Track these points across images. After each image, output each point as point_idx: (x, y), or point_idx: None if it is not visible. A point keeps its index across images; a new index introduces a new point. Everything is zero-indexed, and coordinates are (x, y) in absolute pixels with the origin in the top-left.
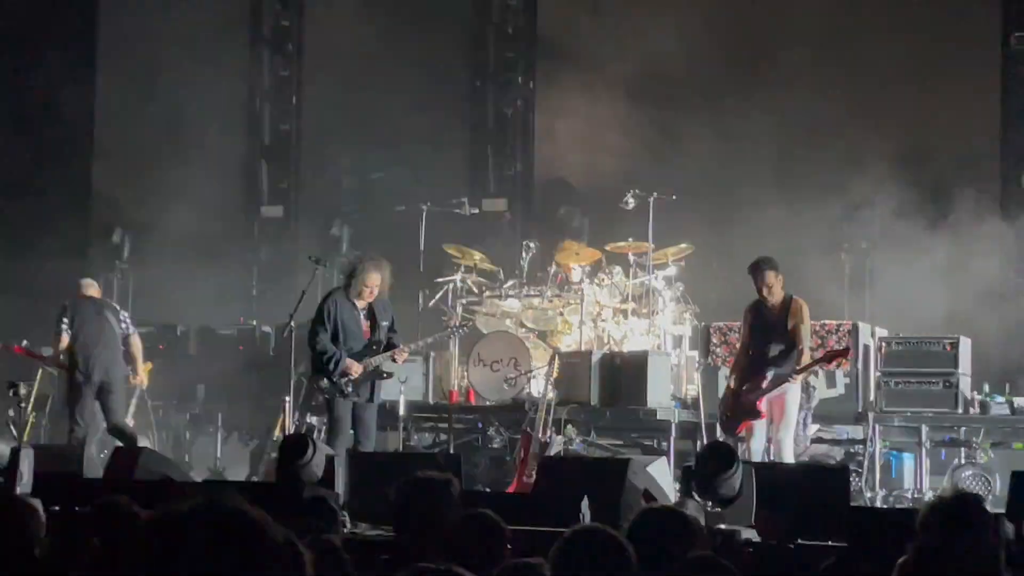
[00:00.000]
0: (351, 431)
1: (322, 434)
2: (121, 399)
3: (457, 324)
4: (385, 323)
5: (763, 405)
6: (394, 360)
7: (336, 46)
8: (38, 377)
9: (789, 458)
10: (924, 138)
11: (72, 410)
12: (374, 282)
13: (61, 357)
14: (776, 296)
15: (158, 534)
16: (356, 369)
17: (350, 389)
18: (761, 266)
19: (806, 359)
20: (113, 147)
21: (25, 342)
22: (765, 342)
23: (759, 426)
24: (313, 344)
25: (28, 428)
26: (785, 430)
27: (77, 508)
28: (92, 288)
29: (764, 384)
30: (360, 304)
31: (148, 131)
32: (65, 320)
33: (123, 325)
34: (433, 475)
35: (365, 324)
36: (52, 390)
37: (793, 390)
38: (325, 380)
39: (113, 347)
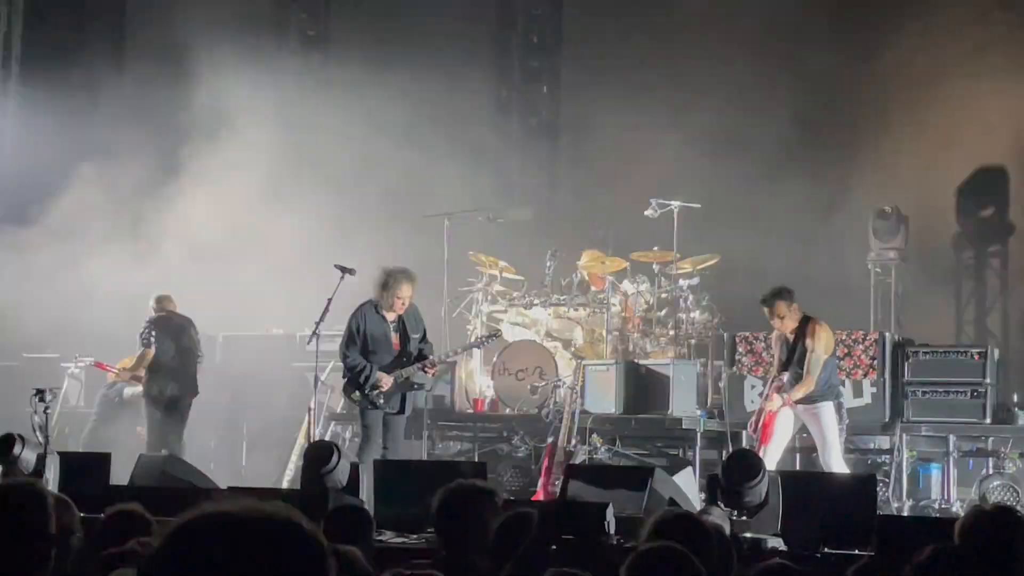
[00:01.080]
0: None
1: (348, 443)
2: (183, 417)
3: (486, 335)
4: (416, 335)
5: (772, 425)
6: (425, 372)
7: (362, 55)
8: (64, 384)
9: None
10: (951, 148)
11: (149, 428)
12: (406, 294)
13: (140, 371)
14: (792, 322)
15: (197, 535)
16: (387, 382)
17: (381, 401)
18: (770, 299)
19: (807, 386)
20: (139, 148)
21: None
22: (787, 366)
23: (779, 435)
24: (344, 357)
25: (56, 435)
26: (830, 452)
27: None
28: (172, 303)
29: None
30: (390, 316)
31: (176, 130)
32: (154, 334)
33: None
34: (479, 483)
35: (395, 336)
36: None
37: (825, 411)
38: (356, 392)
39: (191, 364)
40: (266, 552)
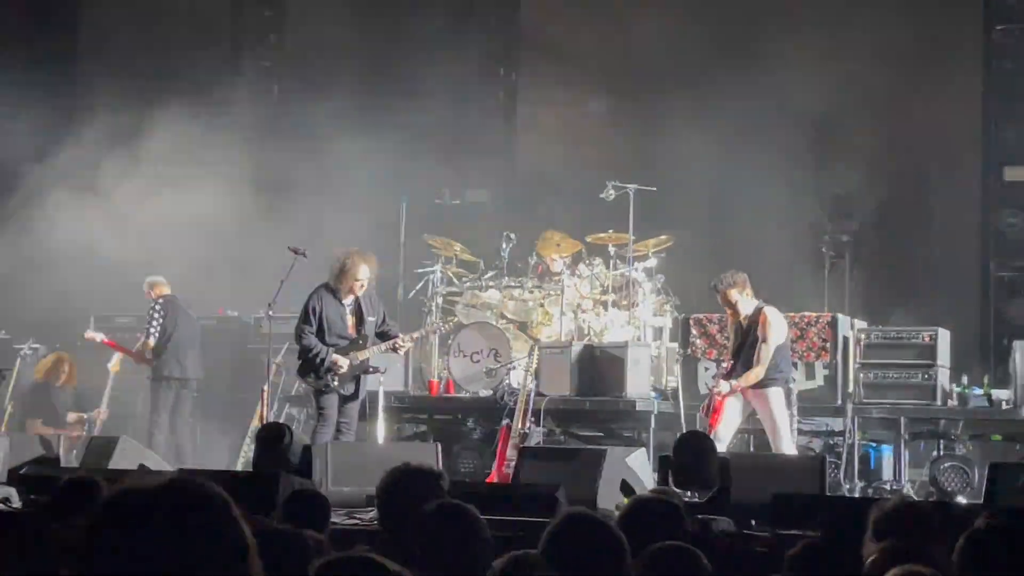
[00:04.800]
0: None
1: (302, 425)
2: (191, 398)
3: (441, 322)
4: (372, 318)
5: (723, 408)
6: (395, 350)
7: (316, 38)
8: (16, 366)
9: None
10: (905, 130)
11: (153, 407)
12: (363, 276)
13: (148, 355)
14: (745, 309)
15: (119, 508)
16: (343, 365)
17: (335, 383)
18: (718, 286)
19: (756, 374)
20: (98, 126)
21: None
22: (739, 352)
23: (729, 418)
24: (300, 340)
25: (7, 417)
26: (779, 436)
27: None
28: (167, 287)
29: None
30: (347, 299)
31: (130, 113)
32: (160, 319)
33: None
34: (424, 465)
35: (351, 319)
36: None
37: (774, 396)
38: (312, 375)
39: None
40: (179, 516)
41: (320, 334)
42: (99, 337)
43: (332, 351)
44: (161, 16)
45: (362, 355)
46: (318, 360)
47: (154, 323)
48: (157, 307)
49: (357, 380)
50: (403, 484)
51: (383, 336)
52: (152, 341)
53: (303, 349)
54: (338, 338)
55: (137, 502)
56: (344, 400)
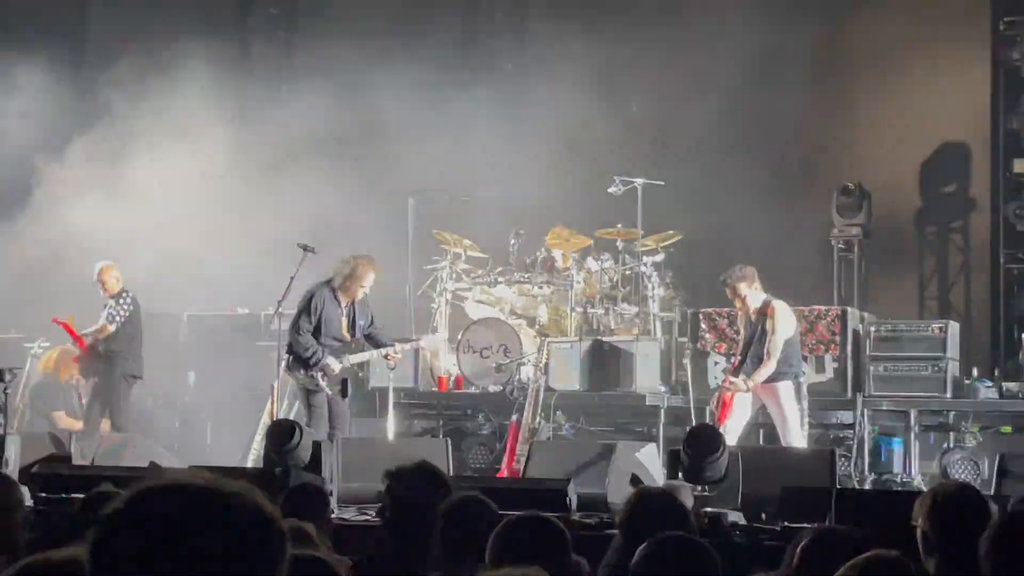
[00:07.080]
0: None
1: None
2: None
3: (432, 337)
4: (362, 321)
5: (732, 402)
6: (388, 360)
7: (324, 30)
8: (28, 363)
9: None
10: (913, 124)
11: (117, 405)
12: (370, 282)
13: (100, 347)
14: (754, 303)
15: (137, 514)
16: (335, 368)
17: (324, 382)
18: (727, 281)
19: (768, 369)
20: (102, 121)
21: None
22: (748, 346)
23: (739, 411)
24: (295, 335)
25: (19, 415)
26: (789, 430)
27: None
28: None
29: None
30: (344, 301)
31: (138, 105)
32: (127, 312)
33: None
34: (429, 463)
35: (345, 321)
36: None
37: (783, 389)
38: (302, 371)
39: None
40: (222, 525)
41: (316, 333)
42: (61, 318)
43: (326, 352)
44: None
45: (353, 358)
46: (311, 358)
47: (121, 313)
48: (127, 299)
49: (344, 381)
50: (414, 485)
51: (371, 339)
52: (112, 328)
53: (298, 345)
54: (333, 340)
55: (157, 509)
56: (332, 399)
